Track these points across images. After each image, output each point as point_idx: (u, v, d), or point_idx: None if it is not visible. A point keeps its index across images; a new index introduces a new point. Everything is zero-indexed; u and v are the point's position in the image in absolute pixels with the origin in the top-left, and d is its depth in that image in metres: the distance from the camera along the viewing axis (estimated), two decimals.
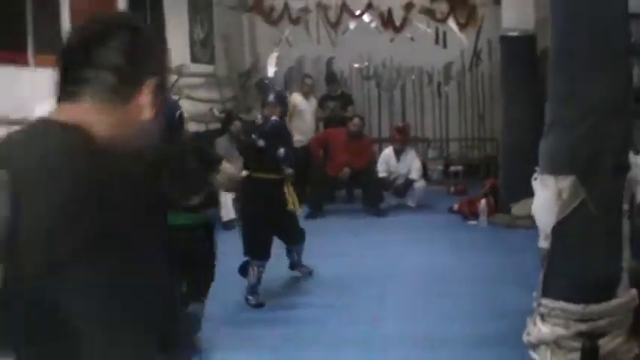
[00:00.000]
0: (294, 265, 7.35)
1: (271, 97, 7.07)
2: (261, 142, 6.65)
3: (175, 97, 10.41)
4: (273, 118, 6.82)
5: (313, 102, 11.59)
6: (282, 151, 6.70)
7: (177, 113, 5.06)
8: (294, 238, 7.12)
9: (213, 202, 8.86)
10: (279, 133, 6.87)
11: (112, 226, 1.52)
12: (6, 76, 7.10)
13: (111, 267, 1.52)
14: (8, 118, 6.64)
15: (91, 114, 1.64)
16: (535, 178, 4.56)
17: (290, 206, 6.82)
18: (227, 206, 9.90)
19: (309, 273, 7.37)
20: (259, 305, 6.44)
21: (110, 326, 1.55)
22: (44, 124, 1.64)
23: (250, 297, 6.48)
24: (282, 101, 7.19)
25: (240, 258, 7.59)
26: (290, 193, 6.80)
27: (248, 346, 5.44)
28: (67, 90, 1.68)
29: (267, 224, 6.56)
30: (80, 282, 1.49)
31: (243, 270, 6.59)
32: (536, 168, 4.66)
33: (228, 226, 9.80)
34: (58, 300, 1.48)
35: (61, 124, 1.62)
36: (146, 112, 1.69)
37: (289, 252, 7.27)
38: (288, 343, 5.50)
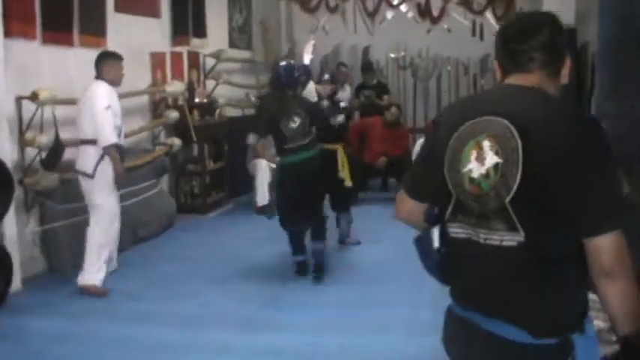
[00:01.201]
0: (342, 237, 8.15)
1: (326, 76, 8.06)
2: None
3: (212, 81, 10.55)
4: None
5: (347, 90, 11.59)
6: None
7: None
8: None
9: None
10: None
11: None
12: (53, 55, 7.22)
13: None
14: (55, 97, 6.77)
15: (542, 81, 2.28)
16: None
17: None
18: (262, 192, 9.96)
19: (357, 243, 8.13)
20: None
21: None
22: (516, 87, 2.29)
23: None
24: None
25: (271, 245, 7.73)
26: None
27: (282, 330, 5.52)
28: (518, 64, 2.31)
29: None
30: None
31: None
32: None
33: (262, 211, 9.87)
34: None
35: (525, 87, 2.26)
36: (565, 79, 2.34)
37: (338, 222, 8.11)
38: (327, 327, 5.57)
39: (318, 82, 8.00)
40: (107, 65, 6.54)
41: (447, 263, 2.42)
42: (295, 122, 6.61)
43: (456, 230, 2.32)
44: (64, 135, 6.87)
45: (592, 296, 4.18)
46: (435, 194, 2.38)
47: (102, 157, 6.40)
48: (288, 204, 6.80)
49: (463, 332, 2.39)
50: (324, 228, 6.99)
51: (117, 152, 6.40)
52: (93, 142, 6.39)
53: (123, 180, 6.65)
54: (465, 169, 2.23)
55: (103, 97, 6.35)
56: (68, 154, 6.87)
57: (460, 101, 2.71)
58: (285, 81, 6.73)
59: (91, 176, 6.42)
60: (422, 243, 2.53)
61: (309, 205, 6.80)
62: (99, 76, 6.50)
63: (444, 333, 2.57)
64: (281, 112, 6.66)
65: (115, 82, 6.58)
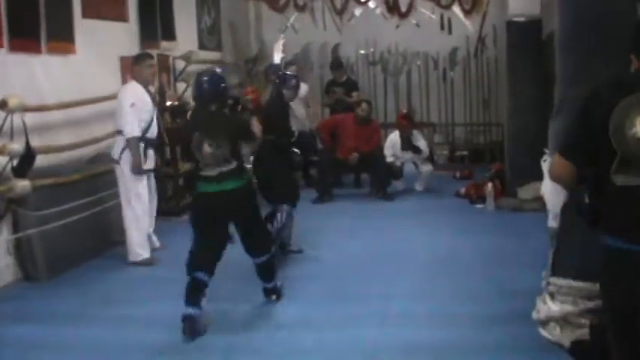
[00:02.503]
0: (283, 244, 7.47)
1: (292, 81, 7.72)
2: None
3: (183, 84, 10.55)
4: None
5: (303, 89, 11.55)
6: None
7: None
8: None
9: None
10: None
11: None
12: (21, 62, 7.20)
13: None
14: (25, 104, 6.75)
15: None
16: (544, 160, 4.67)
17: None
18: None
19: (299, 251, 7.60)
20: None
21: None
22: None
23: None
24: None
25: None
26: None
27: (263, 326, 5.57)
28: None
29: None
30: None
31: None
32: (545, 150, 4.77)
33: None
34: None
35: None
36: None
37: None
38: (301, 322, 5.63)
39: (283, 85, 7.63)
40: (136, 67, 7.51)
41: (610, 208, 2.92)
42: (212, 146, 5.40)
43: (622, 180, 2.82)
44: (36, 142, 6.86)
45: (559, 281, 4.27)
46: (595, 155, 2.91)
47: (126, 147, 7.28)
48: (202, 244, 5.61)
49: (632, 263, 2.83)
50: (268, 266, 6.03)
51: (137, 144, 7.28)
52: (121, 132, 7.30)
53: (138, 169, 7.34)
54: (631, 132, 2.77)
55: (128, 96, 7.27)
56: (40, 160, 6.87)
57: (607, 81, 3.05)
58: (208, 94, 5.60)
59: (117, 162, 7.33)
60: (578, 200, 3.12)
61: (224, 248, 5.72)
62: (133, 76, 7.53)
63: (606, 271, 3.00)
64: (197, 132, 5.49)
65: (144, 83, 7.52)
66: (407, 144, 10.94)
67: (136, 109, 7.26)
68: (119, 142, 7.35)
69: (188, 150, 5.71)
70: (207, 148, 5.40)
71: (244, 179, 5.65)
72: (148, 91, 7.62)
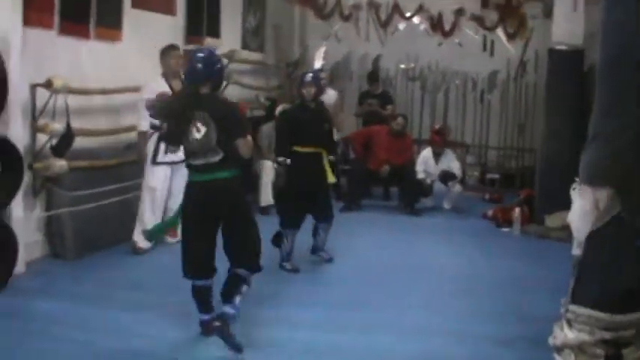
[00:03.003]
0: (316, 248, 7.63)
1: (308, 77, 7.39)
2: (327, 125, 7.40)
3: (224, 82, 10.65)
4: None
5: (328, 96, 11.52)
6: (326, 125, 7.40)
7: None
8: (324, 214, 7.44)
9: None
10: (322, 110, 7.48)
11: None
12: (69, 46, 7.34)
13: None
14: (69, 86, 6.89)
15: None
16: (574, 188, 4.69)
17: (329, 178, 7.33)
18: (266, 193, 10.09)
19: (329, 259, 7.61)
20: (295, 270, 7.19)
21: None
22: None
23: (286, 263, 7.25)
24: (317, 82, 7.38)
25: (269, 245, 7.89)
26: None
27: (282, 325, 5.64)
28: None
29: (304, 197, 7.19)
30: None
31: (276, 240, 7.24)
32: (576, 179, 4.81)
33: (264, 211, 10.00)
34: None
35: None
36: None
37: (316, 232, 7.56)
38: (319, 325, 5.69)
39: (301, 85, 7.49)
40: (162, 59, 7.58)
41: None
42: (200, 131, 4.95)
43: None
44: (76, 124, 7.00)
45: (578, 309, 4.29)
46: None
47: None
48: (191, 245, 5.18)
49: None
50: (239, 285, 5.16)
51: (144, 138, 7.38)
52: None
53: (143, 161, 7.47)
54: None
55: (145, 90, 7.34)
56: (78, 142, 7.00)
57: None
58: (202, 73, 5.04)
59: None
60: None
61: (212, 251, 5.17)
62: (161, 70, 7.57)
63: None
64: (184, 116, 5.03)
65: (171, 74, 7.50)
66: (441, 163, 10.99)
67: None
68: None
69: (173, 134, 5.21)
70: (195, 134, 4.95)
71: (233, 172, 5.04)
72: (171, 85, 7.41)
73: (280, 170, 7.27)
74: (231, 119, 5.08)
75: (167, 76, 7.52)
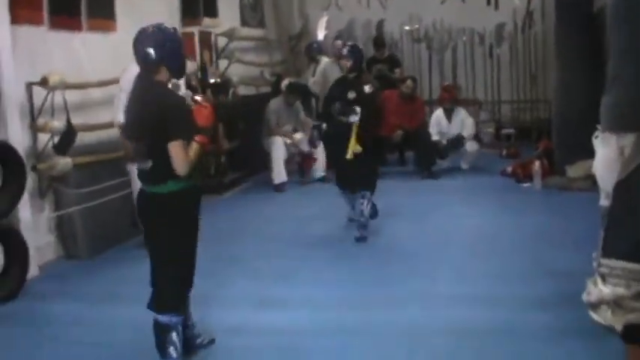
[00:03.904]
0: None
1: (344, 51, 7.50)
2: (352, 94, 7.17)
3: (225, 61, 10.48)
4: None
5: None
6: (353, 94, 7.21)
7: None
8: (360, 183, 7.26)
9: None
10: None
11: None
12: (62, 40, 7.18)
13: None
14: (66, 82, 6.74)
15: None
16: (596, 137, 4.48)
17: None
18: (279, 170, 9.95)
19: (361, 238, 7.24)
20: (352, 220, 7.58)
21: None
22: None
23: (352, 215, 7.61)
24: (353, 55, 7.41)
25: (288, 222, 7.78)
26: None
27: (306, 305, 5.48)
28: None
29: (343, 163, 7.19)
30: None
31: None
32: (597, 126, 4.59)
33: (279, 188, 9.88)
34: None
35: None
36: None
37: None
38: (344, 303, 5.52)
39: (339, 58, 7.79)
40: None
41: None
42: (140, 131, 4.17)
43: None
44: (76, 120, 6.86)
45: (611, 262, 4.09)
46: None
47: None
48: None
49: None
50: (163, 334, 4.33)
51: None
52: None
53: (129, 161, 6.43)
54: None
55: (123, 79, 6.24)
56: (81, 138, 6.86)
57: None
58: (152, 55, 4.08)
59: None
60: None
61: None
62: None
63: None
64: (127, 111, 4.34)
65: None
66: (453, 122, 10.77)
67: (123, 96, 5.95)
68: None
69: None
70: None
71: (166, 188, 4.09)
72: None
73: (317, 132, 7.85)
74: (173, 119, 4.01)
75: None
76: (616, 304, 4.13)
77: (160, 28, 4.22)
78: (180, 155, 3.97)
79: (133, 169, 5.99)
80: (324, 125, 7.65)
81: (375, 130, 7.49)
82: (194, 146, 4.10)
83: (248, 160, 10.52)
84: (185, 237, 4.25)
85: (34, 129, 6.70)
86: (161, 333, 4.29)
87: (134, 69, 5.75)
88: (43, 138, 6.74)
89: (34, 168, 6.62)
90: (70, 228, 7.04)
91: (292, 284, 6.02)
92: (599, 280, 4.25)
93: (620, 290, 4.11)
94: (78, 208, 6.91)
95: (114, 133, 7.56)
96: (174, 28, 4.37)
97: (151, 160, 4.06)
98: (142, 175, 4.18)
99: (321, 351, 4.71)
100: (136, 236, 6.99)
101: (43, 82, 6.62)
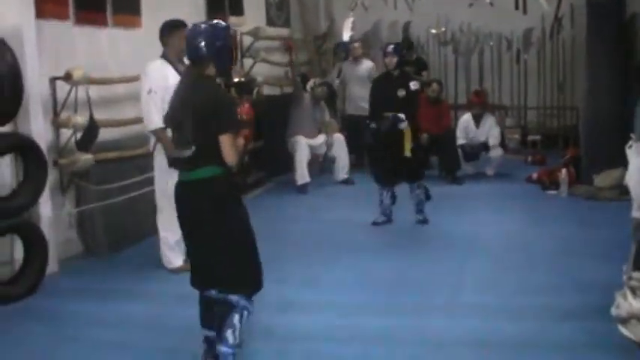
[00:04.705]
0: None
1: (389, 48, 7.89)
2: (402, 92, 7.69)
3: (250, 60, 10.43)
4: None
5: (366, 66, 11.34)
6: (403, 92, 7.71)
7: None
8: (409, 177, 7.81)
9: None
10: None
11: None
12: (87, 35, 7.14)
13: None
14: (89, 77, 6.71)
15: None
16: (630, 146, 4.39)
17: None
18: (302, 171, 9.88)
19: (422, 220, 7.94)
20: (377, 223, 7.94)
21: None
22: None
23: (378, 217, 7.99)
24: (398, 52, 7.86)
25: (312, 224, 7.71)
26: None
27: (326, 311, 5.42)
28: None
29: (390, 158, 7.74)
30: None
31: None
32: (631, 135, 4.48)
33: (302, 189, 9.82)
34: None
35: None
36: None
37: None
38: (366, 308, 5.46)
39: (385, 55, 7.94)
40: (166, 37, 6.28)
41: None
42: (185, 120, 4.15)
43: None
44: (99, 115, 6.83)
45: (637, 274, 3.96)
46: None
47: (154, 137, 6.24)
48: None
49: None
50: (226, 315, 4.22)
51: (165, 134, 5.67)
52: None
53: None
54: None
55: (148, 80, 6.15)
56: (103, 134, 6.81)
57: None
58: (203, 51, 4.15)
59: (150, 153, 6.40)
60: None
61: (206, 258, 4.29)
62: (162, 52, 6.29)
63: None
64: (172, 102, 4.34)
65: (178, 56, 6.12)
66: (482, 127, 10.67)
67: (156, 97, 5.99)
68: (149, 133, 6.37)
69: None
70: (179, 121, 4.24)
71: (208, 172, 4.14)
72: (178, 70, 6.06)
73: (369, 132, 7.98)
74: (217, 111, 4.10)
75: (170, 59, 6.24)
76: None
77: (212, 25, 4.29)
78: (232, 147, 4.08)
79: (161, 163, 5.91)
80: (374, 124, 7.88)
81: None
82: (240, 139, 4.28)
83: (271, 161, 10.45)
84: (232, 221, 4.24)
85: (57, 124, 6.67)
86: (223, 312, 4.22)
87: (158, 67, 5.90)
88: (66, 133, 6.71)
89: (55, 163, 6.58)
90: (90, 224, 7.00)
91: (316, 288, 5.97)
92: (629, 294, 4.15)
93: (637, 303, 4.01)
94: (99, 205, 6.86)
95: (136, 129, 7.54)
96: (228, 26, 4.38)
97: (194, 146, 4.08)
98: (180, 161, 4.21)
99: (344, 357, 4.66)
100: (156, 233, 6.93)
101: (67, 77, 6.59)
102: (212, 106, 4.09)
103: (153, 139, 6.30)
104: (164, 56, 6.28)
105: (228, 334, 4.17)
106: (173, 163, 4.36)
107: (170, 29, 6.30)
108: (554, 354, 4.55)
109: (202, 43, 4.13)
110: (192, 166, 4.15)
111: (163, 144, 5.93)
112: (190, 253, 4.46)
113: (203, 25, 4.26)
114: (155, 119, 5.95)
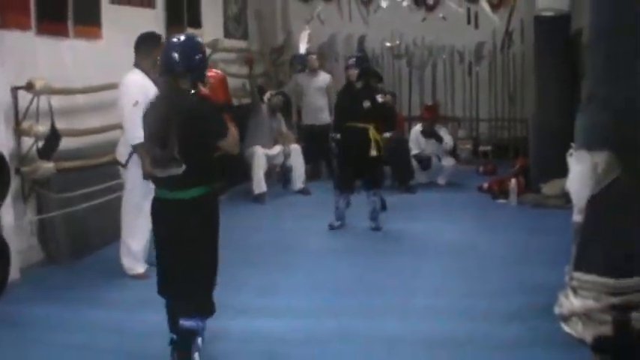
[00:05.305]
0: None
1: (351, 61, 8.36)
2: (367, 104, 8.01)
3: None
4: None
5: (323, 78, 11.56)
6: (368, 104, 8.01)
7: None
8: (370, 183, 8.09)
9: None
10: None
11: None
12: (49, 46, 7.22)
13: None
14: (51, 87, 6.78)
15: None
16: (570, 154, 4.62)
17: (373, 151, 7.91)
18: (259, 180, 10.02)
19: (376, 228, 8.14)
20: (332, 227, 8.20)
21: None
22: None
23: (334, 222, 8.24)
24: (359, 64, 8.29)
25: (268, 232, 7.86)
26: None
27: (283, 314, 5.57)
28: None
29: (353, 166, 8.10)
30: None
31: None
32: (572, 144, 4.73)
33: (259, 199, 9.94)
34: None
35: None
36: None
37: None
38: (323, 311, 5.65)
39: (346, 68, 8.40)
40: (143, 49, 6.32)
41: None
42: (170, 138, 4.12)
43: None
44: (61, 125, 6.89)
45: (582, 276, 4.22)
46: None
47: (134, 151, 6.18)
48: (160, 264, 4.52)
49: None
50: (189, 342, 4.35)
51: (145, 150, 5.33)
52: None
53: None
54: None
55: (131, 93, 6.07)
56: (65, 143, 6.91)
57: None
58: (181, 64, 4.21)
59: (124, 165, 6.42)
60: None
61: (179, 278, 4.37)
62: (136, 63, 6.33)
63: None
64: (149, 117, 4.36)
65: (148, 68, 6.19)
66: (428, 133, 10.92)
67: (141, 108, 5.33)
68: (124, 143, 6.31)
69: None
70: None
71: (197, 192, 4.24)
72: (152, 79, 6.09)
73: (334, 143, 8.44)
74: (201, 126, 4.21)
75: (145, 69, 6.26)
76: (586, 316, 4.25)
77: (190, 39, 4.41)
78: (231, 144, 4.42)
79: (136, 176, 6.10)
80: (339, 135, 8.28)
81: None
82: (233, 130, 4.40)
83: (228, 171, 10.57)
84: (214, 239, 4.44)
85: (19, 132, 6.72)
86: (187, 338, 4.32)
87: (139, 79, 5.95)
88: (28, 142, 6.77)
89: (17, 171, 6.63)
90: (51, 232, 7.05)
91: (273, 294, 6.11)
92: (570, 293, 4.37)
93: (591, 303, 4.23)
94: (60, 213, 6.94)
95: (100, 138, 7.66)
96: (201, 40, 4.52)
97: (184, 165, 4.11)
98: (168, 181, 4.22)
99: (300, 357, 4.83)
100: (118, 240, 7.03)
101: (29, 87, 6.64)
102: (197, 120, 4.16)
103: (127, 152, 6.29)
104: (138, 66, 6.33)
105: (196, 356, 4.34)
106: (154, 181, 4.37)
107: (155, 42, 6.36)
108: (502, 352, 4.79)
109: (182, 57, 4.20)
110: (180, 186, 4.19)
111: (144, 159, 5.81)
112: (164, 265, 4.45)
113: (182, 39, 4.35)
114: (140, 133, 5.22)
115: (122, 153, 6.43)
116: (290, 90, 11.74)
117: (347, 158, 8.19)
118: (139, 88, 6.07)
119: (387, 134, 8.17)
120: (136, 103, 5.82)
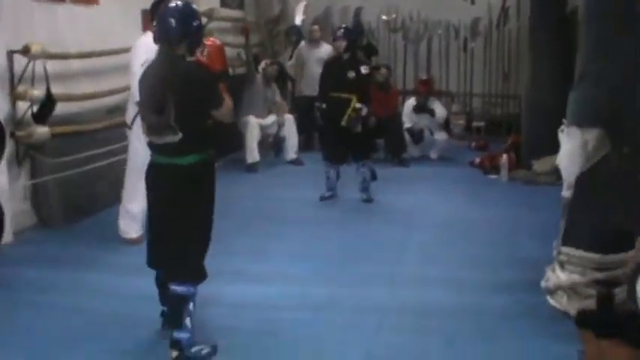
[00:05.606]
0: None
1: (339, 32, 8.31)
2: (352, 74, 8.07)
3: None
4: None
5: (325, 49, 11.54)
6: (353, 74, 8.08)
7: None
8: (357, 153, 8.18)
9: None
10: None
11: None
12: (45, 10, 7.22)
13: None
14: (47, 51, 6.79)
15: None
16: (562, 130, 4.67)
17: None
18: (252, 150, 10.06)
19: (367, 199, 8.25)
20: (324, 198, 8.33)
21: None
22: None
23: (325, 192, 8.35)
24: (347, 36, 8.25)
25: (261, 201, 7.91)
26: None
27: (274, 281, 5.66)
28: None
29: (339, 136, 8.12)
30: None
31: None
32: (564, 121, 4.78)
33: (251, 168, 9.99)
34: None
35: None
36: None
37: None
38: (315, 278, 5.76)
39: (334, 39, 8.44)
40: (152, 16, 5.91)
41: None
42: (168, 104, 4.10)
43: None
44: (56, 89, 6.91)
45: (570, 251, 4.30)
46: None
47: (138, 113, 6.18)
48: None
49: None
50: (180, 308, 4.31)
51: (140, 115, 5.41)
52: None
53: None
54: None
55: (140, 54, 6.01)
56: (60, 107, 6.92)
57: None
58: (177, 30, 4.20)
59: (129, 127, 6.43)
60: None
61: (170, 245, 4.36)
62: (149, 27, 6.19)
63: None
64: (145, 83, 4.37)
65: None
66: (421, 107, 10.97)
67: None
68: (132, 103, 6.34)
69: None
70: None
71: (191, 159, 4.22)
72: None
73: (318, 113, 8.31)
74: (197, 93, 4.22)
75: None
76: (572, 290, 4.32)
77: (187, 5, 4.34)
78: (225, 114, 4.42)
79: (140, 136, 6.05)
80: (324, 105, 8.24)
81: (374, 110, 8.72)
82: (227, 100, 4.41)
83: (221, 139, 10.60)
84: (209, 206, 4.44)
85: (14, 96, 6.72)
86: (178, 304, 4.32)
87: (147, 41, 5.59)
88: (23, 106, 6.78)
89: (12, 135, 6.65)
90: (45, 196, 7.09)
91: (266, 260, 6.19)
92: (557, 267, 4.44)
93: (576, 277, 4.31)
94: (54, 177, 6.97)
95: (95, 104, 7.68)
96: (196, 7, 4.50)
97: (180, 133, 4.10)
98: (164, 148, 4.22)
99: (292, 323, 4.89)
100: (111, 206, 7.08)
101: (25, 51, 6.64)
102: (194, 88, 4.17)
103: (134, 112, 6.18)
104: (151, 30, 6.06)
105: (187, 321, 4.30)
106: (156, 148, 4.31)
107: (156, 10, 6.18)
108: (488, 322, 4.88)
109: (178, 23, 4.19)
110: (176, 153, 4.19)
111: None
112: (154, 234, 4.48)
113: (178, 5, 4.29)
114: None
115: (130, 114, 6.42)
116: (293, 64, 11.70)
117: (330, 128, 8.24)
118: (149, 50, 6.02)
119: (359, 105, 7.94)
120: (144, 63, 5.70)
